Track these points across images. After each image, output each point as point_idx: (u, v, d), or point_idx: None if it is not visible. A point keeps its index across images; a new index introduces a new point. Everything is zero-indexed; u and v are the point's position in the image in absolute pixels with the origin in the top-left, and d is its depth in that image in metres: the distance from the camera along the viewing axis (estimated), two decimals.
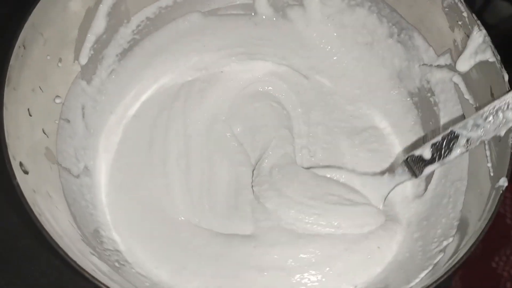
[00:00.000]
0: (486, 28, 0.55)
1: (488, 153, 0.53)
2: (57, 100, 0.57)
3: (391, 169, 0.60)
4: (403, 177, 0.57)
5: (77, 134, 0.61)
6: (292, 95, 0.69)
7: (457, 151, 0.52)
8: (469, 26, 0.56)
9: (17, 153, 0.47)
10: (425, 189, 0.61)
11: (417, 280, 0.49)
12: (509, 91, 0.51)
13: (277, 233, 0.57)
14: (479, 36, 0.55)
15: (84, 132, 0.62)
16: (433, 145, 0.53)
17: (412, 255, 0.55)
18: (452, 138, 0.52)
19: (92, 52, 0.62)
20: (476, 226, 0.49)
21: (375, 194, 0.59)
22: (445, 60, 0.60)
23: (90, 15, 0.60)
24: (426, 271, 0.50)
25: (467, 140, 0.51)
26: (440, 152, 0.53)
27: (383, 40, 0.67)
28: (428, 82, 0.63)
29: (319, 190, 0.59)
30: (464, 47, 0.56)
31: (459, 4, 0.56)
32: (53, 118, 0.57)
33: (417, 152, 0.54)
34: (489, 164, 0.52)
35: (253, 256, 0.57)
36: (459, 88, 0.58)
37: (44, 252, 0.64)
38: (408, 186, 0.63)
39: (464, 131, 0.51)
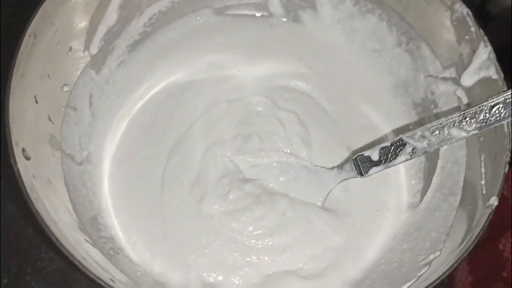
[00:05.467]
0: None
1: (483, 170, 0.53)
2: (65, 88, 0.59)
3: (340, 166, 0.63)
4: (350, 174, 0.60)
5: (83, 122, 0.62)
6: (314, 91, 0.70)
7: (402, 157, 0.56)
8: (476, 42, 0.55)
9: (20, 139, 0.49)
10: (420, 200, 0.61)
11: None
12: (457, 111, 0.53)
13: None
14: (484, 52, 0.55)
15: (90, 121, 0.64)
16: (382, 148, 0.57)
17: (399, 266, 0.55)
18: (400, 145, 0.56)
19: (102, 42, 0.62)
20: (463, 242, 0.49)
21: (320, 187, 0.63)
22: (450, 73, 0.60)
23: (102, 6, 0.60)
24: (409, 283, 0.50)
25: (413, 149, 0.55)
26: (386, 156, 0.57)
27: (391, 48, 0.67)
28: (432, 93, 0.63)
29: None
30: (470, 62, 0.56)
31: (468, 19, 0.56)
32: (59, 106, 0.58)
33: (366, 153, 0.58)
34: (483, 182, 0.52)
35: None
36: (462, 103, 0.58)
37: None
38: (405, 195, 0.63)
39: (411, 140, 0.55)
